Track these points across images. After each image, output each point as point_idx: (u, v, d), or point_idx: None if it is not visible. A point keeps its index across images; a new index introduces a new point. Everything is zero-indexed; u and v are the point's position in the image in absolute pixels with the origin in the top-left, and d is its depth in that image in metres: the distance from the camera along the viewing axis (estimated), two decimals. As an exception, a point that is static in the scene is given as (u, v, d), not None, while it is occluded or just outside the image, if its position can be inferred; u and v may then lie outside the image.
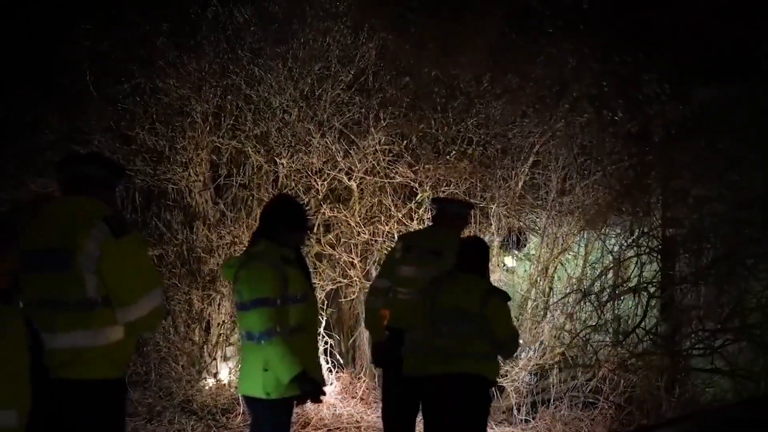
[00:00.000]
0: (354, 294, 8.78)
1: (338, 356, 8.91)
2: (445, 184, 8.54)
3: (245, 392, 5.03)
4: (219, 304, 8.37)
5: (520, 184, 8.62)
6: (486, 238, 8.33)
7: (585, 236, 8.68)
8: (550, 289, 8.76)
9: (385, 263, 6.81)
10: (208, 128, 8.23)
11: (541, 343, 8.52)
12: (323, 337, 8.36)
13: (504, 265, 9.21)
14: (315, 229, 8.13)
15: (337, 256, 8.55)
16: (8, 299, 3.70)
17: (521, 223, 9.01)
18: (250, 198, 8.38)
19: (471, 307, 5.61)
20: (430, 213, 8.15)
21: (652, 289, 8.43)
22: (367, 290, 7.29)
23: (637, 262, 8.57)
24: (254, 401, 4.95)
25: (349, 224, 8.48)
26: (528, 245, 9.26)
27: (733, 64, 8.56)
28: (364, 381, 9.07)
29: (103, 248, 4.20)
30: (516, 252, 9.26)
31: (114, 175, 4.55)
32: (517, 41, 8.56)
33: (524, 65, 8.57)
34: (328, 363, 8.60)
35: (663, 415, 8.05)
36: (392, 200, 8.53)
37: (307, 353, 4.95)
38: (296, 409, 5.57)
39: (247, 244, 5.29)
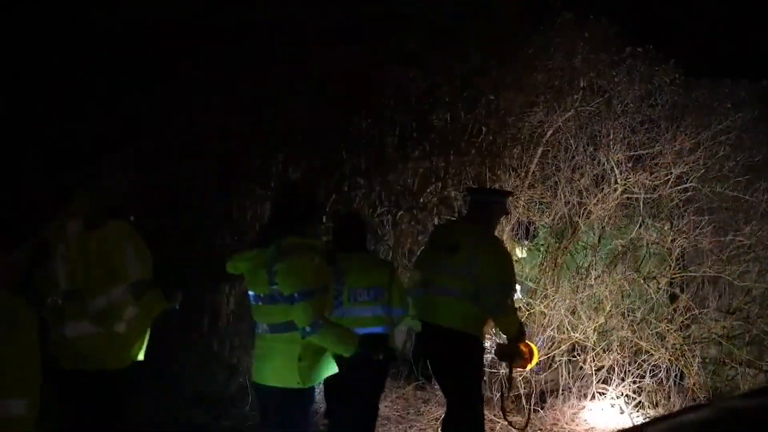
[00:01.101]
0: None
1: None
2: (455, 174, 8.55)
3: (273, 383, 5.01)
4: (228, 294, 8.36)
5: (530, 173, 8.60)
6: (496, 228, 8.35)
7: (594, 226, 8.65)
8: (559, 278, 8.75)
9: (420, 253, 6.84)
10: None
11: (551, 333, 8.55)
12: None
13: (514, 255, 9.21)
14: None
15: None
16: (21, 291, 3.73)
17: (530, 213, 9.00)
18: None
19: (382, 283, 5.76)
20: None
21: (662, 279, 8.40)
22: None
23: (647, 252, 8.56)
24: (283, 391, 4.97)
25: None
26: (538, 235, 9.25)
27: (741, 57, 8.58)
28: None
29: (76, 241, 4.27)
30: (526, 242, 9.24)
31: (115, 169, 4.58)
32: (527, 31, 8.55)
33: (534, 55, 8.56)
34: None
35: (672, 405, 8.05)
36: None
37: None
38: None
39: (258, 236, 5.26)
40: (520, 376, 8.11)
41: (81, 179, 4.54)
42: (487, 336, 6.26)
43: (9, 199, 6.75)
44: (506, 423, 6.85)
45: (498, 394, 7.07)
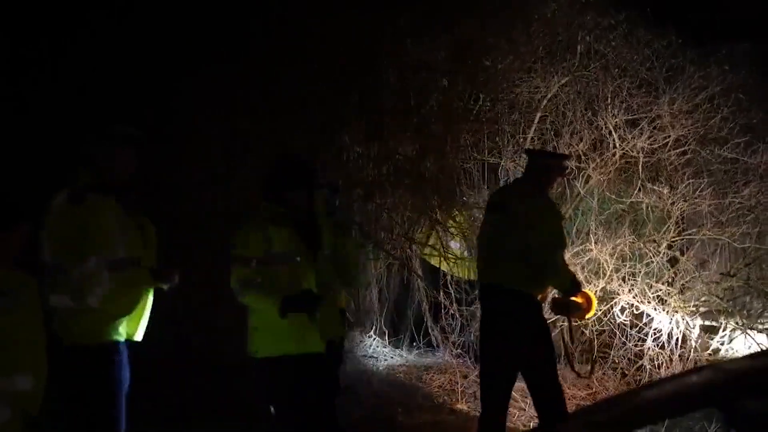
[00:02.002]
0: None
1: (348, 315, 8.95)
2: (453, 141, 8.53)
3: (248, 350, 5.12)
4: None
5: (528, 139, 8.57)
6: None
7: (594, 191, 8.63)
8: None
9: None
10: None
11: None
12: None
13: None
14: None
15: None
16: (25, 267, 3.74)
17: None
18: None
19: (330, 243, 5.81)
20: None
21: (662, 243, 8.38)
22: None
23: (646, 216, 8.54)
24: (251, 360, 5.06)
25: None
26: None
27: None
28: (374, 339, 9.13)
29: (59, 214, 4.31)
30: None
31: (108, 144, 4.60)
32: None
33: (531, 20, 8.50)
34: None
35: (673, 368, 8.06)
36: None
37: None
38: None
39: None
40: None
41: (78, 156, 4.56)
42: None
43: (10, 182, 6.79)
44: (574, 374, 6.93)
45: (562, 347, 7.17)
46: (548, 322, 6.48)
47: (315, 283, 5.06)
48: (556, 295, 6.35)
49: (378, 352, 9.05)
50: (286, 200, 5.02)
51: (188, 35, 7.88)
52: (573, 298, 6.18)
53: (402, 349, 9.23)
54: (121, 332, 4.59)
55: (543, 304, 6.38)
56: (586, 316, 6.52)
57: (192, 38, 7.88)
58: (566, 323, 6.66)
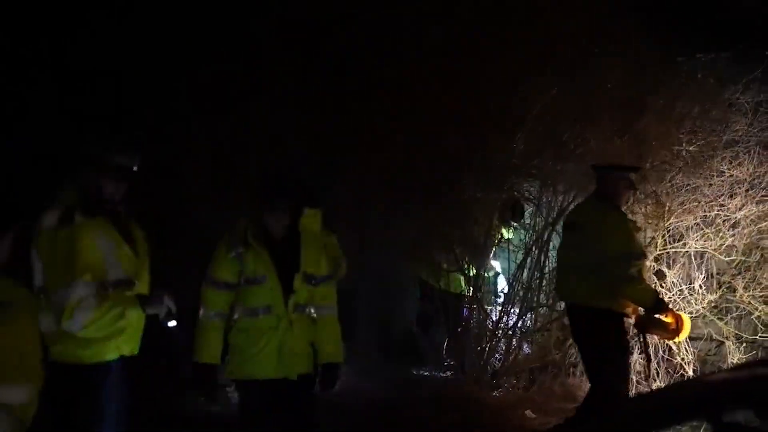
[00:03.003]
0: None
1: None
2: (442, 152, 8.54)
3: None
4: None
5: (516, 152, 8.58)
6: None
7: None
8: (546, 257, 8.74)
9: None
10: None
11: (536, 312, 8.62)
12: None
13: (501, 236, 9.22)
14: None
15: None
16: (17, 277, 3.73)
17: (516, 193, 9.00)
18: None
19: None
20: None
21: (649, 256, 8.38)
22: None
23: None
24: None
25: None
26: (524, 215, 9.27)
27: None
28: (363, 352, 9.12)
29: (47, 237, 4.29)
30: (514, 224, 9.26)
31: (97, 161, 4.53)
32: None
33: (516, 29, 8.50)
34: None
35: (661, 380, 8.06)
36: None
37: (276, 335, 4.99)
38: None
39: None
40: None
41: (66, 173, 4.54)
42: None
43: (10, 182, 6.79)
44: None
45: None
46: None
47: (284, 305, 5.01)
48: (641, 312, 6.39)
49: (366, 365, 9.03)
50: (264, 219, 5.00)
51: (188, 35, 7.89)
52: (657, 316, 6.21)
53: (391, 362, 9.22)
54: (114, 352, 4.56)
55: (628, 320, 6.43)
56: (677, 339, 6.55)
57: (192, 38, 7.89)
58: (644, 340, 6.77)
